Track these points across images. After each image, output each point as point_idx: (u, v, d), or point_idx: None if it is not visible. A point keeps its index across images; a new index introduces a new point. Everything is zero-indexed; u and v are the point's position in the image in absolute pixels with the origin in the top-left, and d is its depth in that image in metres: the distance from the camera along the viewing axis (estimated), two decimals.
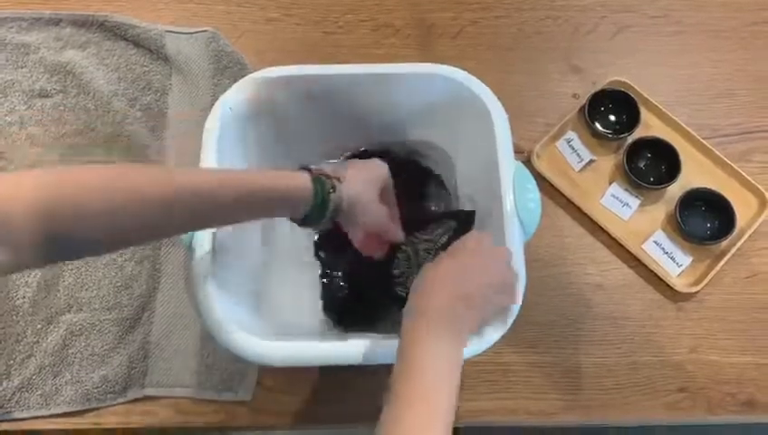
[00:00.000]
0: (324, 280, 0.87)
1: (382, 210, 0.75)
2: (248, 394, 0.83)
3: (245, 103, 0.79)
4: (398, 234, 0.78)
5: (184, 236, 0.72)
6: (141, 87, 0.99)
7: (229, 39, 1.02)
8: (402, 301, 0.62)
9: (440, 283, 0.60)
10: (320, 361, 0.70)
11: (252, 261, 0.85)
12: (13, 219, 0.49)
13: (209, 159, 0.74)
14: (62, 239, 0.51)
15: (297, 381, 0.84)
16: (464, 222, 0.84)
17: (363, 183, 0.73)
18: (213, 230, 0.71)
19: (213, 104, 0.78)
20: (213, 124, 0.76)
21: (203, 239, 0.71)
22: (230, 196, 0.62)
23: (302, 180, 0.67)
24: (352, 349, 0.68)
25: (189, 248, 0.73)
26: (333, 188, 0.69)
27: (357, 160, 0.78)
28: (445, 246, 0.81)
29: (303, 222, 0.69)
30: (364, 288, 0.86)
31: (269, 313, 0.82)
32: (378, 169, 0.76)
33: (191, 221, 0.62)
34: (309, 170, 0.69)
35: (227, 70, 1.00)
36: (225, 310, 0.69)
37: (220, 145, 0.75)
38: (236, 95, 0.79)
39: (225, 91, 0.79)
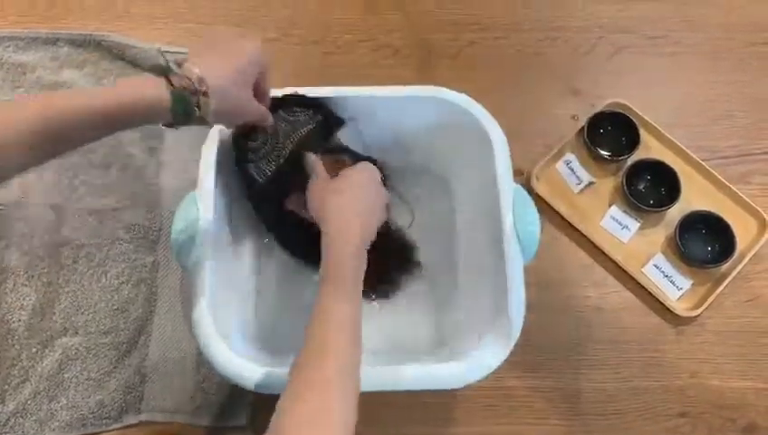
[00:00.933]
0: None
1: (250, 104, 0.69)
2: (244, 419, 0.82)
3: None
4: (263, 116, 0.73)
5: (181, 258, 0.72)
6: None
7: None
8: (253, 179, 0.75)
9: (340, 239, 0.66)
10: None
11: (246, 284, 0.85)
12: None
13: (208, 179, 0.74)
14: None
15: None
16: (328, 123, 0.82)
17: (234, 86, 0.64)
18: (210, 254, 0.71)
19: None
20: (210, 145, 0.76)
21: (200, 263, 0.71)
22: (66, 126, 0.55)
23: (156, 94, 0.59)
24: None
25: (186, 271, 0.72)
26: (198, 105, 0.61)
27: (220, 39, 0.67)
28: (304, 141, 0.78)
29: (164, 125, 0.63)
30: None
31: (265, 334, 0.82)
32: (247, 55, 0.66)
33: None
34: (167, 78, 0.60)
35: None
36: (222, 335, 0.68)
37: (218, 165, 0.75)
38: None
39: None
